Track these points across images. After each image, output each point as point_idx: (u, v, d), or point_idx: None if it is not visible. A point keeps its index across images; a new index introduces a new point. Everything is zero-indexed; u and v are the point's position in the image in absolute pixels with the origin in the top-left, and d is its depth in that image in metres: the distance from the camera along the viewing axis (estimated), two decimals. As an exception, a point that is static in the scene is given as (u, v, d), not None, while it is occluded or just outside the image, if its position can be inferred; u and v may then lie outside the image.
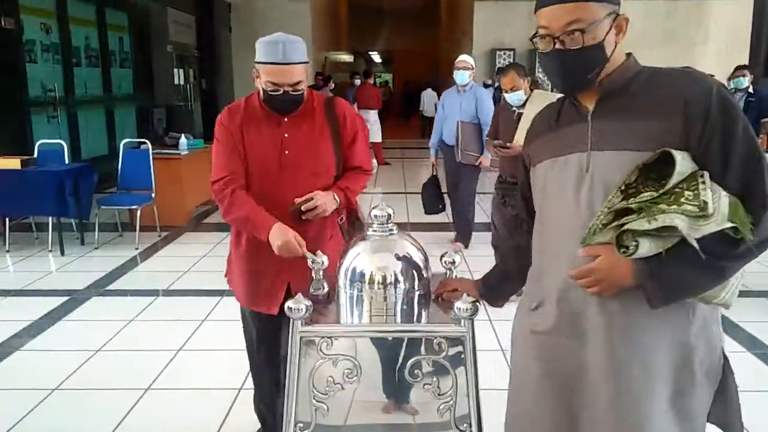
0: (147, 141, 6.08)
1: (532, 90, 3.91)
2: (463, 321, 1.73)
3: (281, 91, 1.96)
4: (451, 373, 1.74)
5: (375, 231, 1.89)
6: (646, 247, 1.24)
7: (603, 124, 1.34)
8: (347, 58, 25.26)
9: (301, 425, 1.75)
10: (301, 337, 1.72)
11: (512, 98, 3.88)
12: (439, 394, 1.76)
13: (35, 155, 5.64)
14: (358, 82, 11.49)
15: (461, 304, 1.72)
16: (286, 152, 2.06)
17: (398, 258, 1.86)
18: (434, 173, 5.71)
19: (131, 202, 5.63)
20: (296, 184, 2.06)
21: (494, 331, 3.67)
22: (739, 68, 6.48)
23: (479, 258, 5.07)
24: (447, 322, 1.78)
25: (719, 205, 1.20)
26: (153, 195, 5.67)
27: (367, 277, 1.82)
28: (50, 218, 5.37)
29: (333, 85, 11.77)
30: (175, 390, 2.98)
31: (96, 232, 5.54)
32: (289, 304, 1.70)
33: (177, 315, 3.99)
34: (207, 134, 12.81)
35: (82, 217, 5.41)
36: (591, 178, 1.32)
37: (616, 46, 1.34)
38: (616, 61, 1.35)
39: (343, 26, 23.76)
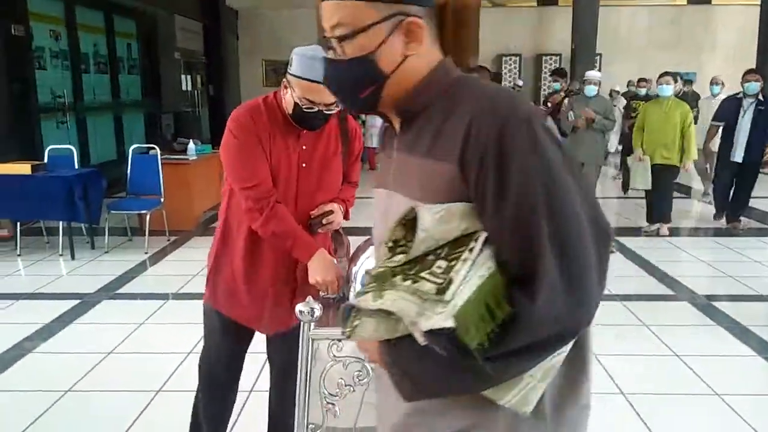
0: (156, 146, 6.13)
1: None
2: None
3: (316, 110, 1.88)
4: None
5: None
6: (368, 330, 0.96)
7: (402, 157, 1.05)
8: (353, 63, 25.32)
9: (312, 426, 1.78)
10: (311, 340, 1.74)
11: None
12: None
13: (45, 161, 5.70)
14: None
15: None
16: (303, 165, 2.01)
17: (408, 261, 1.89)
18: None
19: (140, 206, 5.67)
20: (311, 198, 2.03)
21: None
22: (749, 72, 6.25)
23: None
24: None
25: (459, 292, 0.84)
26: (162, 200, 5.71)
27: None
28: (61, 223, 5.42)
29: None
30: (185, 392, 2.97)
31: (106, 237, 5.59)
32: (299, 307, 1.72)
33: (186, 318, 4.02)
34: (214, 140, 12.88)
35: (91, 221, 5.46)
36: (388, 224, 1.00)
37: (405, 58, 1.01)
38: (413, 76, 1.02)
39: (349, 32, 23.82)
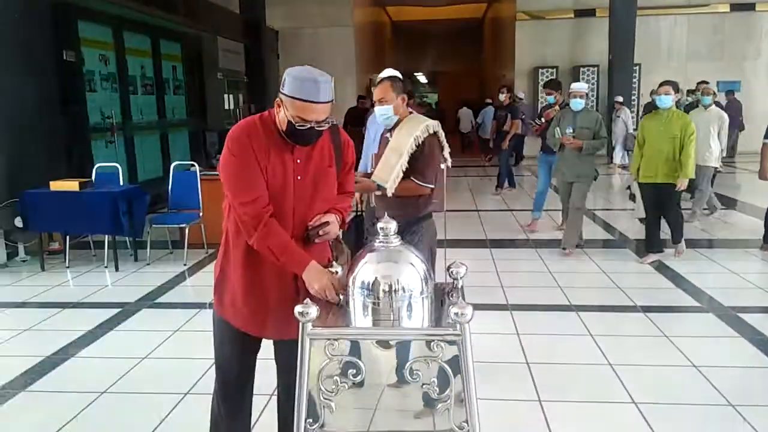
0: (195, 163, 6.43)
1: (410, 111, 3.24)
2: (459, 325, 1.86)
3: (308, 126, 1.97)
4: (448, 375, 1.87)
5: (381, 243, 2.06)
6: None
7: None
8: (393, 79, 25.57)
9: (310, 422, 1.91)
10: (309, 339, 1.88)
11: (379, 111, 3.12)
12: (437, 395, 1.88)
13: (93, 178, 6.06)
14: None
15: (458, 310, 1.85)
16: (299, 178, 2.08)
17: (402, 267, 2.02)
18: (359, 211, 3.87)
19: (180, 220, 5.96)
20: (307, 211, 2.10)
21: (521, 343, 3.74)
22: None
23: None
24: (445, 326, 1.91)
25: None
26: (200, 214, 5.98)
27: (373, 285, 1.98)
28: (106, 236, 5.75)
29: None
30: (210, 395, 3.17)
31: (148, 249, 5.89)
32: (298, 308, 1.87)
33: (217, 327, 4.24)
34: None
35: (135, 235, 5.77)
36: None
37: None
38: None
39: (388, 49, 24.18)
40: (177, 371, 3.46)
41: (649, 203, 5.49)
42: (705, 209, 7.40)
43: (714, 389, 3.08)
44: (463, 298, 2.15)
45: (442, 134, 3.18)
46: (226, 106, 12.56)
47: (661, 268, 5.30)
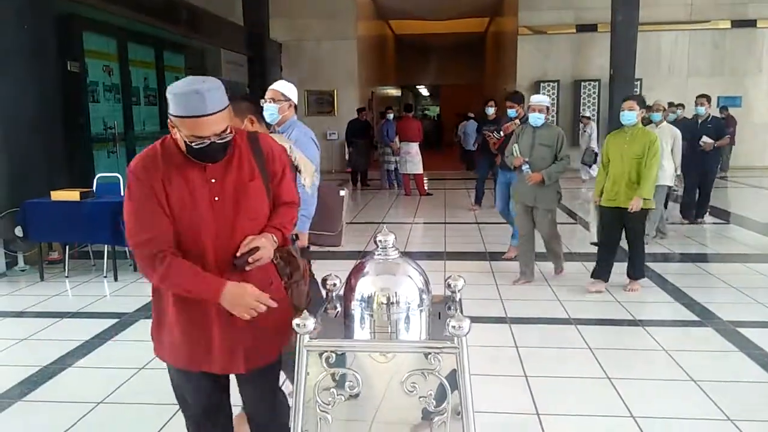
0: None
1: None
2: (456, 338, 1.86)
3: (207, 143, 1.77)
4: (445, 388, 1.87)
5: (379, 255, 2.06)
6: None
7: None
8: (395, 92, 25.79)
9: (307, 432, 1.91)
10: (307, 351, 1.88)
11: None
12: (434, 408, 1.88)
13: (94, 188, 6.08)
14: (391, 116, 11.77)
15: (456, 323, 1.85)
16: (216, 199, 1.88)
17: (400, 280, 2.02)
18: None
19: (180, 231, 5.96)
20: (232, 231, 1.90)
21: (519, 356, 3.73)
22: None
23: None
24: (443, 339, 1.91)
25: None
26: (200, 225, 5.98)
27: (371, 298, 1.98)
28: (106, 246, 5.75)
29: (392, 114, 12.09)
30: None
31: (147, 260, 5.88)
32: (296, 320, 1.87)
33: (216, 337, 4.24)
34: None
35: (134, 245, 5.76)
36: None
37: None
38: None
39: (390, 62, 24.31)
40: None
41: (608, 229, 4.96)
42: (655, 234, 6.83)
43: (713, 404, 3.07)
44: (461, 311, 2.15)
45: (295, 154, 2.90)
46: (229, 118, 12.61)
47: (660, 281, 5.30)
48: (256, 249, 1.88)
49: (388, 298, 1.98)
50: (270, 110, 3.29)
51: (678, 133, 6.70)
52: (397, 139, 11.24)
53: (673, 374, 3.44)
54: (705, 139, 7.37)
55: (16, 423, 3.07)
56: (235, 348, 1.98)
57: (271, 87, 3.39)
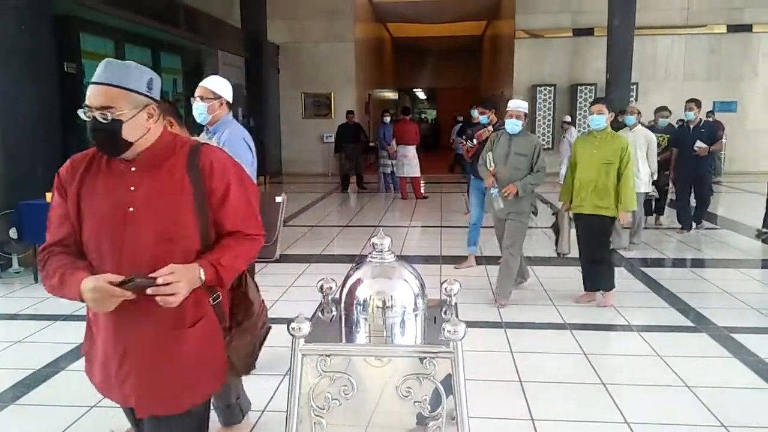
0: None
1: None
2: (451, 342, 1.86)
3: (90, 117, 1.60)
4: (440, 393, 1.86)
5: (375, 258, 2.06)
6: None
7: None
8: (392, 95, 25.83)
9: (302, 438, 1.90)
10: (302, 355, 1.88)
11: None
12: (429, 413, 1.88)
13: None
14: (387, 119, 11.77)
15: (451, 327, 1.85)
16: (131, 209, 1.64)
17: (395, 283, 2.02)
18: None
19: (175, 233, 5.94)
20: (144, 252, 1.63)
21: (514, 361, 3.73)
22: None
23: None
24: (439, 343, 1.90)
25: None
26: (196, 227, 5.96)
27: (367, 301, 1.98)
28: (101, 248, 5.72)
29: (389, 118, 12.04)
30: (202, 410, 3.16)
31: (142, 262, 5.87)
32: (292, 324, 1.86)
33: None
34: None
35: (129, 247, 5.75)
36: None
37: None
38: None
39: (388, 65, 24.34)
40: (169, 385, 3.44)
41: (580, 239, 4.78)
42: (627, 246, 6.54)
43: (707, 410, 3.07)
44: (457, 316, 2.15)
45: None
46: (225, 120, 12.60)
47: (655, 287, 5.31)
48: (153, 281, 1.54)
49: (384, 302, 1.98)
50: (198, 109, 3.08)
51: (653, 136, 6.52)
52: (394, 142, 11.24)
53: (668, 380, 3.45)
54: (699, 144, 7.26)
55: (9, 426, 3.05)
56: (126, 381, 1.72)
57: (201, 84, 3.14)
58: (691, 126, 7.38)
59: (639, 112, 6.60)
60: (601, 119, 4.56)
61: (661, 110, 7.80)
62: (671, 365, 3.62)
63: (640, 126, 6.55)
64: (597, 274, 4.74)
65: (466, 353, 1.89)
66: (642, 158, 6.24)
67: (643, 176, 6.24)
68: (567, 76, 14.82)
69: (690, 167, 7.36)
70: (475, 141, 6.02)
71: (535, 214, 4.93)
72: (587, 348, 3.91)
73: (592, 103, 4.72)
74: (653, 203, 7.72)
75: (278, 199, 3.03)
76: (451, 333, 1.84)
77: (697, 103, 7.33)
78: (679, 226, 7.64)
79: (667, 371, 3.56)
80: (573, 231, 4.88)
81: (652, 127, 7.55)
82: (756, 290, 5.25)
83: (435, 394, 1.87)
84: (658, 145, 6.91)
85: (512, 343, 4.03)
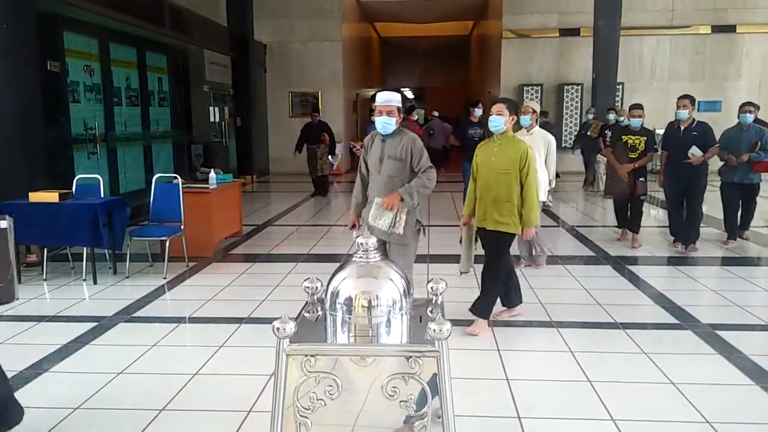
0: (178, 176, 6.38)
1: None
2: (437, 341, 1.85)
3: None
4: (426, 392, 1.86)
5: (360, 257, 2.05)
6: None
7: None
8: (380, 94, 25.74)
9: (286, 438, 1.89)
10: (286, 355, 1.87)
11: None
12: (414, 412, 1.87)
13: (73, 189, 5.99)
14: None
15: (436, 326, 1.85)
16: None
17: (381, 283, 2.01)
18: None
19: (161, 233, 5.90)
20: None
21: (501, 360, 3.73)
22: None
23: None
24: (424, 342, 1.90)
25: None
26: (182, 227, 5.93)
27: (351, 300, 1.97)
28: (85, 249, 5.67)
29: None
30: (187, 411, 3.13)
31: (127, 262, 5.82)
32: (276, 324, 1.85)
33: (196, 341, 4.20)
34: (241, 169, 13.28)
35: (114, 247, 5.70)
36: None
37: None
38: None
39: (375, 64, 24.32)
40: (153, 387, 3.40)
41: (486, 256, 4.27)
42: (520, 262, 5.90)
43: (692, 406, 3.09)
44: (443, 315, 2.14)
45: None
46: (212, 119, 12.53)
47: (641, 284, 5.34)
48: None
49: (370, 302, 1.97)
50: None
51: (552, 139, 5.67)
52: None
53: (653, 377, 3.46)
54: (693, 150, 6.21)
55: (-9, 429, 3.00)
56: None
57: None
58: (682, 127, 6.35)
59: (535, 111, 5.71)
60: (499, 121, 3.98)
61: (634, 108, 6.63)
62: (657, 362, 3.64)
63: (537, 128, 5.70)
64: (481, 294, 4.27)
65: (452, 352, 1.89)
66: (540, 164, 5.41)
67: (541, 184, 5.32)
68: (554, 75, 14.90)
69: (681, 176, 6.39)
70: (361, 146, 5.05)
71: (424, 232, 4.13)
72: (573, 346, 3.92)
73: (493, 103, 4.11)
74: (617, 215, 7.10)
75: (2, 224, 2.18)
76: (437, 332, 1.84)
77: (692, 100, 6.41)
78: (672, 238, 6.81)
79: (652, 368, 3.58)
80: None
81: (627, 127, 6.78)
82: (740, 287, 5.30)
83: (421, 393, 1.87)
84: (634, 149, 6.49)
85: (499, 341, 4.04)
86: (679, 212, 6.68)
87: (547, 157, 5.61)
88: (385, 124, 3.88)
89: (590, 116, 11.81)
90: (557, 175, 6.71)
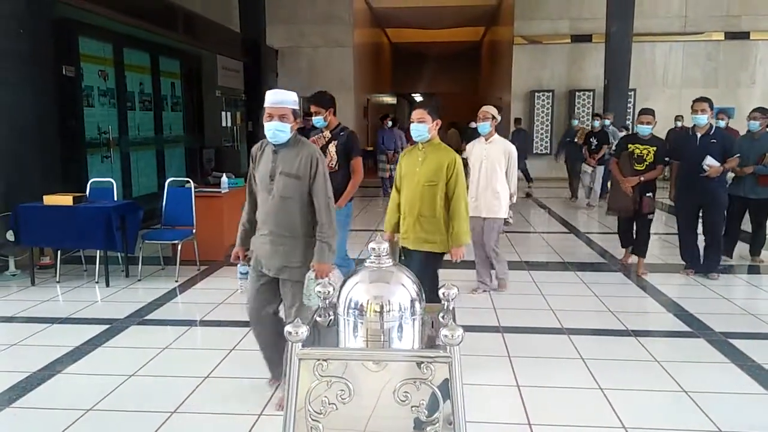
0: (190, 180, 6.43)
1: None
2: (449, 347, 1.85)
3: None
4: (438, 398, 1.86)
5: (373, 262, 2.05)
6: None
7: None
8: (390, 100, 25.85)
9: (299, 442, 1.89)
10: (298, 359, 1.87)
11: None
12: (426, 418, 1.87)
13: (87, 193, 6.05)
14: (390, 124, 11.78)
15: (448, 332, 1.85)
16: None
17: (393, 288, 2.01)
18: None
19: (173, 237, 5.94)
20: None
21: (512, 366, 3.72)
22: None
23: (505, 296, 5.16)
24: (436, 348, 1.90)
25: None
26: (194, 231, 5.97)
27: (363, 306, 1.97)
28: (98, 252, 5.72)
29: (391, 123, 12.06)
30: (198, 414, 3.15)
31: (140, 266, 5.86)
32: (288, 328, 1.86)
33: (207, 344, 4.22)
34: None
35: (127, 250, 5.75)
36: None
37: None
38: None
39: (386, 70, 24.38)
40: (164, 389, 3.42)
41: (418, 274, 3.28)
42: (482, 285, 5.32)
43: (704, 415, 3.07)
44: (454, 320, 2.14)
45: None
46: (224, 124, 12.61)
47: (652, 292, 5.31)
48: None
49: (382, 306, 1.97)
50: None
51: (512, 148, 5.09)
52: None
53: (665, 385, 3.44)
54: (709, 161, 5.40)
55: (4, 430, 3.03)
56: None
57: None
58: (699, 134, 5.54)
59: (495, 117, 5.09)
60: (422, 128, 3.60)
61: (644, 114, 5.79)
62: (669, 370, 3.62)
63: (497, 136, 5.12)
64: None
65: (464, 357, 1.88)
66: (500, 176, 5.01)
67: (502, 198, 5.01)
68: (565, 82, 14.87)
69: (696, 189, 5.59)
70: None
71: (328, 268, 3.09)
72: (585, 353, 3.90)
73: (413, 108, 3.77)
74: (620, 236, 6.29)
75: None
76: (449, 338, 1.84)
77: (710, 103, 5.62)
78: (683, 263, 5.98)
79: (664, 376, 3.55)
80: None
81: (635, 135, 5.92)
82: (753, 295, 5.25)
83: (432, 399, 1.87)
84: (641, 160, 5.66)
85: (510, 347, 4.03)
86: (691, 232, 5.84)
87: (508, 168, 5.04)
88: (276, 131, 2.95)
89: (575, 122, 11.74)
90: (529, 181, 6.18)
